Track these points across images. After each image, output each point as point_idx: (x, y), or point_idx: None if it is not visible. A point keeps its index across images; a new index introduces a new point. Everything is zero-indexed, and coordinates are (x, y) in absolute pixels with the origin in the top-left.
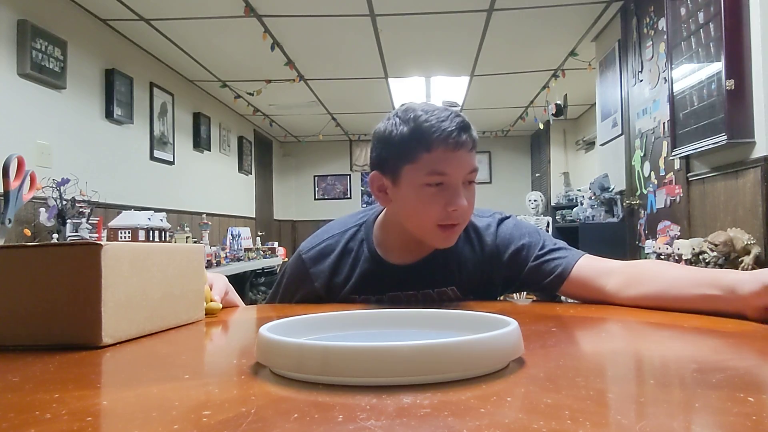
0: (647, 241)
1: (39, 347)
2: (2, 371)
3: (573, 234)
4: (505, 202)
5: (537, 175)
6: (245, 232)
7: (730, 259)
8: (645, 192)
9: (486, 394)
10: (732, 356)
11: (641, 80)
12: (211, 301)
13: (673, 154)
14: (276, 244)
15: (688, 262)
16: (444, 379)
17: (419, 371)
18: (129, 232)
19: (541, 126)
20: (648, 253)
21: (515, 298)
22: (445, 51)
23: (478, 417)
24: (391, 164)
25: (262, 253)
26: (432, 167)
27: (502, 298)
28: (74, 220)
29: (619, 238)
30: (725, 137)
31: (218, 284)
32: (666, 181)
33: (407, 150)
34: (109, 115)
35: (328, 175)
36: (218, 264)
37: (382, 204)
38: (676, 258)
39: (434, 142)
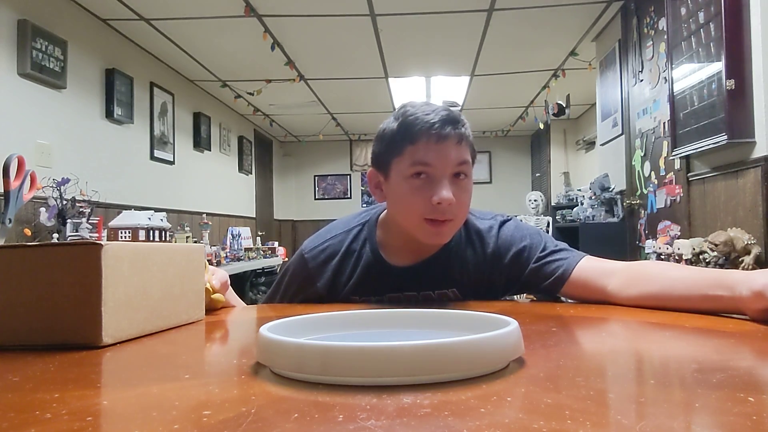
0: (647, 241)
1: (39, 347)
2: (2, 371)
3: (573, 234)
4: (505, 202)
5: (537, 175)
6: (245, 231)
7: (730, 259)
8: (645, 192)
9: (486, 394)
10: (732, 356)
11: (641, 80)
12: (213, 293)
13: (674, 154)
14: (276, 244)
15: (689, 262)
16: (444, 379)
17: (419, 371)
18: (129, 232)
19: (542, 126)
20: (648, 253)
21: (516, 299)
22: (445, 51)
23: (478, 417)
24: (383, 159)
25: (262, 253)
26: (415, 158)
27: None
28: (74, 220)
29: (620, 238)
30: (725, 137)
31: (219, 275)
32: (666, 181)
33: (395, 144)
34: (109, 114)
35: (328, 175)
36: (218, 264)
37: (379, 200)
38: (677, 258)
39: (417, 134)
